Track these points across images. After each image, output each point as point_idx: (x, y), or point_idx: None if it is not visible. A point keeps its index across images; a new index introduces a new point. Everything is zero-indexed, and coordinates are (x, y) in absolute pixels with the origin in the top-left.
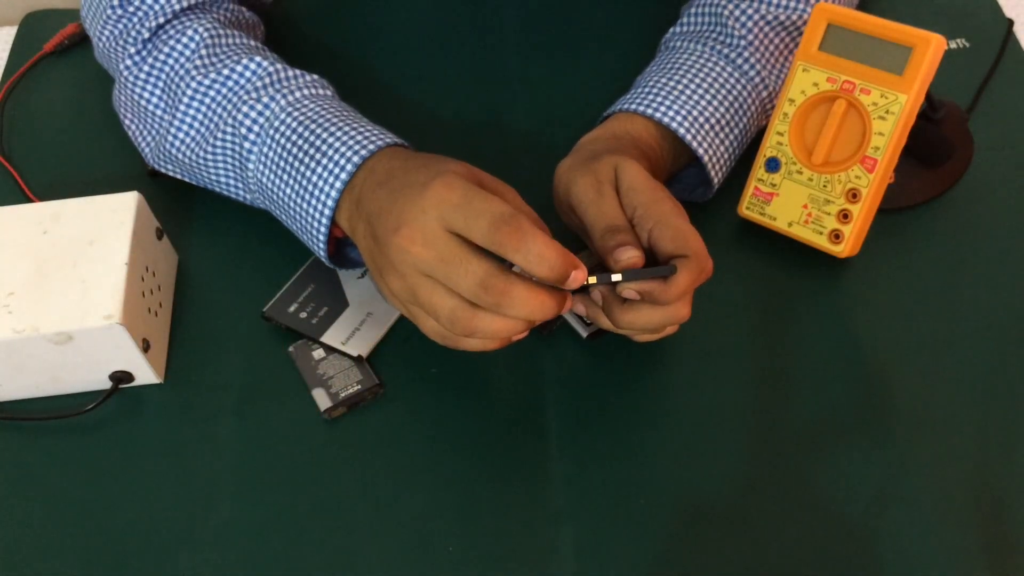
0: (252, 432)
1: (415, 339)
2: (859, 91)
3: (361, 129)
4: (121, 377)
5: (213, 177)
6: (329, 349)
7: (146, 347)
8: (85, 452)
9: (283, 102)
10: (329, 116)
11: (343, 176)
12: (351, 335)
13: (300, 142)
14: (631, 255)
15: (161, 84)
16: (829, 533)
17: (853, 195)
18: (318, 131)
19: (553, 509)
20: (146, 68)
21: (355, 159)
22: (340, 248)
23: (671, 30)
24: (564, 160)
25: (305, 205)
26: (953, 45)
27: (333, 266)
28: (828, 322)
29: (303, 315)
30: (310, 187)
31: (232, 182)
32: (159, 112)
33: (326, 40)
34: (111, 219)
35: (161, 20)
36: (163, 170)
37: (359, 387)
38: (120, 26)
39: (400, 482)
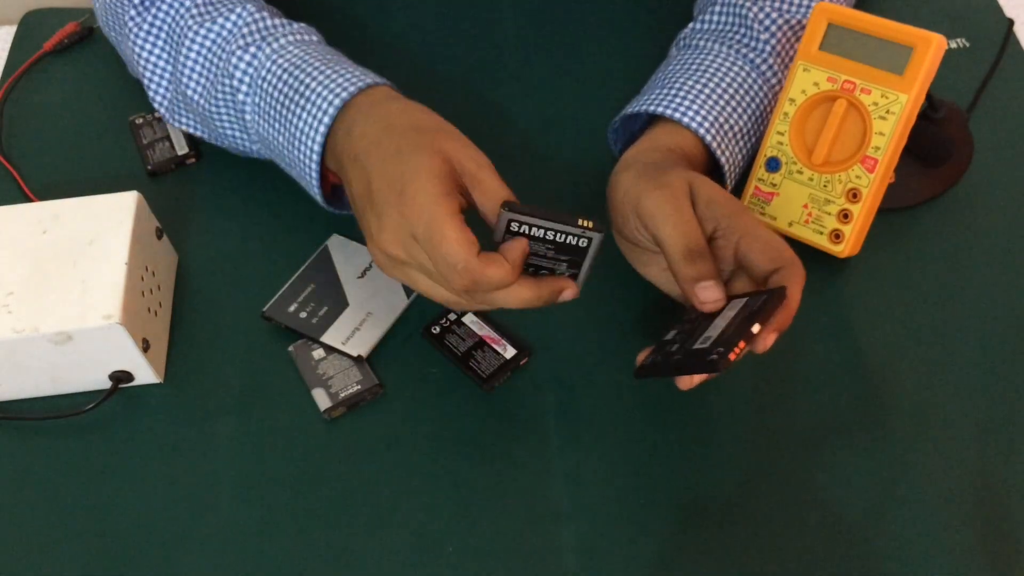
0: (252, 432)
1: (415, 339)
2: (860, 91)
3: (341, 71)
4: (121, 377)
5: (220, 129)
6: (329, 349)
7: (146, 347)
8: (85, 452)
9: (268, 50)
10: (312, 60)
11: (326, 120)
12: (351, 335)
13: (286, 89)
14: (715, 297)
15: (163, 37)
16: (829, 533)
17: (853, 195)
18: (301, 76)
19: (553, 509)
20: (148, 19)
21: (336, 102)
22: (337, 191)
23: (691, 26)
24: (623, 173)
25: (296, 152)
26: (953, 45)
27: (332, 210)
28: (828, 322)
29: (303, 315)
30: (298, 133)
31: (238, 134)
32: (165, 65)
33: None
34: (111, 219)
35: None
36: (181, 126)
37: (359, 387)
38: None
39: (400, 482)
